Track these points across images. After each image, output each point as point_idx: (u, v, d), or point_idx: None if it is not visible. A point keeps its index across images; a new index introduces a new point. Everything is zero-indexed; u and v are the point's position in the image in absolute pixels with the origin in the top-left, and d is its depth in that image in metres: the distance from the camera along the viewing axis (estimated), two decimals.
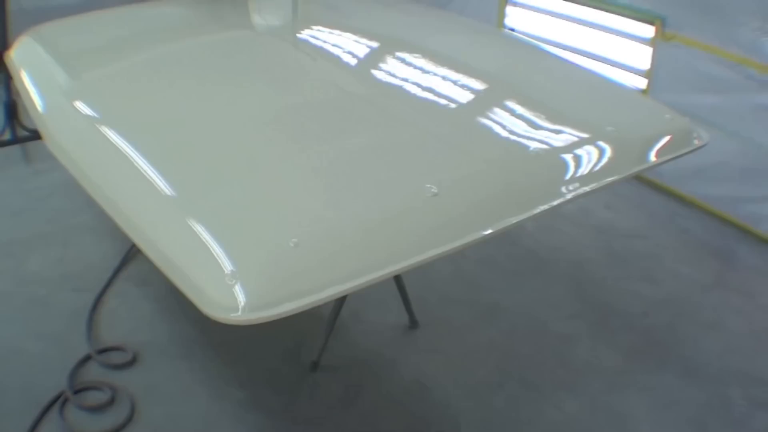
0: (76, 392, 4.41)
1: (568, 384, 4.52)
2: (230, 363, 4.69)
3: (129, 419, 4.26)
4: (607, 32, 6.62)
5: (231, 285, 2.64)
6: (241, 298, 2.60)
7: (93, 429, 4.21)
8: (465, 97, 4.03)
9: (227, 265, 2.70)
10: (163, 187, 3.18)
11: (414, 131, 3.64)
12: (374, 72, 4.33)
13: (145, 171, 3.26)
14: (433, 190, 3.07)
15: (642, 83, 6.34)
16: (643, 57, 6.36)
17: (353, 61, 4.46)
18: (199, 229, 2.87)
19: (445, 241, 2.97)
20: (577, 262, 5.60)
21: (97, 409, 4.32)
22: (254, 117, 3.75)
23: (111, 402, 4.37)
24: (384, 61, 4.44)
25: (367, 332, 4.92)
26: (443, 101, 3.95)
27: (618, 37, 6.55)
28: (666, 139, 3.74)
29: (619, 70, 6.53)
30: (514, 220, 3.12)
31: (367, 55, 4.57)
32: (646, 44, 6.30)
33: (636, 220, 6.13)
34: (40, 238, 5.81)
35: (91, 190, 3.42)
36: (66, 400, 4.36)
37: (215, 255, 2.75)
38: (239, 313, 2.59)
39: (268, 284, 2.70)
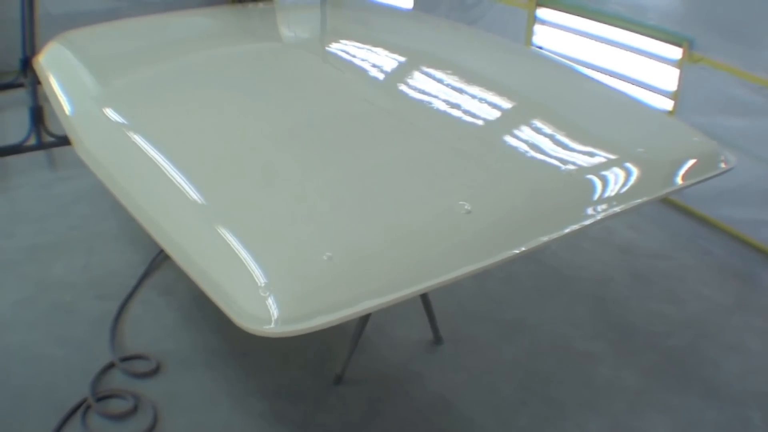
0: (99, 399, 4.42)
1: (591, 403, 4.50)
2: (253, 374, 4.68)
3: (151, 428, 4.26)
4: (634, 53, 6.61)
5: (264, 297, 2.64)
6: (275, 311, 2.60)
7: None
8: (495, 114, 4.03)
9: (261, 277, 2.70)
10: (195, 195, 3.19)
11: (443, 148, 3.64)
12: (403, 87, 4.33)
13: (176, 179, 3.27)
14: (466, 207, 3.07)
15: (668, 104, 6.33)
16: (669, 78, 6.35)
17: (382, 76, 4.47)
18: (233, 240, 2.88)
19: (478, 258, 2.96)
20: (601, 281, 5.59)
21: (120, 417, 4.33)
22: (283, 128, 3.76)
23: (133, 410, 4.37)
24: (413, 77, 4.45)
25: (392, 347, 4.91)
26: (472, 118, 3.94)
27: (645, 57, 6.53)
28: (694, 161, 3.72)
29: (646, 90, 6.52)
30: (545, 239, 3.11)
31: (396, 70, 4.57)
32: (673, 66, 6.29)
33: (659, 241, 6.11)
34: (65, 244, 5.83)
35: (121, 197, 3.43)
36: (88, 407, 4.36)
37: (249, 266, 2.76)
38: (272, 325, 2.59)
39: (302, 297, 2.70)
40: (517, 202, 3.27)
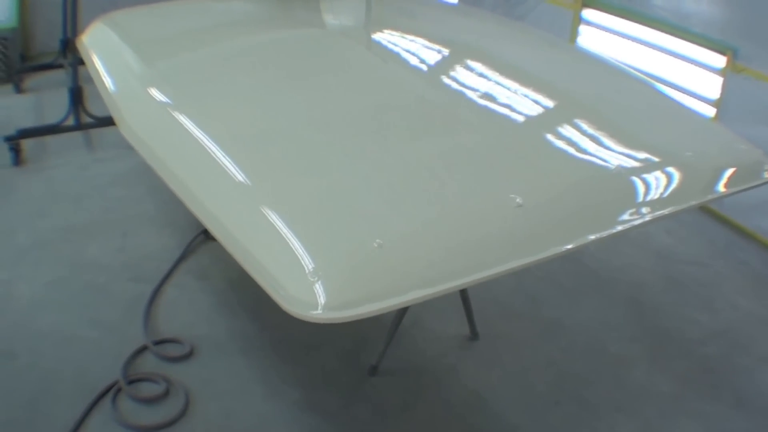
0: (130, 382, 4.40)
1: (623, 406, 4.46)
2: (288, 361, 4.66)
3: (182, 413, 4.24)
4: (678, 58, 6.57)
5: (312, 282, 2.62)
6: (322, 297, 2.58)
7: (145, 421, 4.20)
8: (543, 112, 3.99)
9: (309, 262, 2.68)
10: (242, 177, 3.18)
11: (489, 141, 3.62)
12: (448, 79, 4.31)
13: (223, 160, 3.26)
14: (518, 200, 3.05)
15: (710, 112, 6.29)
16: (712, 86, 6.30)
17: (428, 67, 4.44)
18: (281, 223, 2.86)
19: (528, 253, 2.95)
20: (637, 285, 5.54)
21: (151, 400, 4.31)
22: (331, 114, 3.74)
23: (165, 394, 4.35)
24: (460, 69, 4.41)
25: (428, 340, 4.88)
26: (521, 114, 3.91)
27: (689, 64, 6.49)
28: (741, 169, 3.68)
29: (688, 96, 6.47)
30: (593, 237, 3.09)
31: (443, 62, 4.54)
32: (717, 74, 6.24)
33: (695, 248, 6.06)
34: (100, 226, 5.84)
35: (165, 176, 3.43)
36: (119, 390, 4.35)
37: (297, 251, 2.74)
38: (319, 311, 2.56)
39: (350, 284, 2.68)
40: (567, 200, 3.24)
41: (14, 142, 6.61)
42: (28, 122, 7.05)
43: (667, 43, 6.63)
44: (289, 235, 2.81)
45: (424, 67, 4.43)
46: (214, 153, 3.32)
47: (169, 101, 3.90)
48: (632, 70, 4.64)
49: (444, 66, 4.48)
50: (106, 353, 4.61)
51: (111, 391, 4.34)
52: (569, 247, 3.02)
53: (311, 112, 3.75)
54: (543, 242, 3.01)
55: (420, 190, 3.18)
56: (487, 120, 3.82)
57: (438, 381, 4.59)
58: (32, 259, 5.44)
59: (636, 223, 3.21)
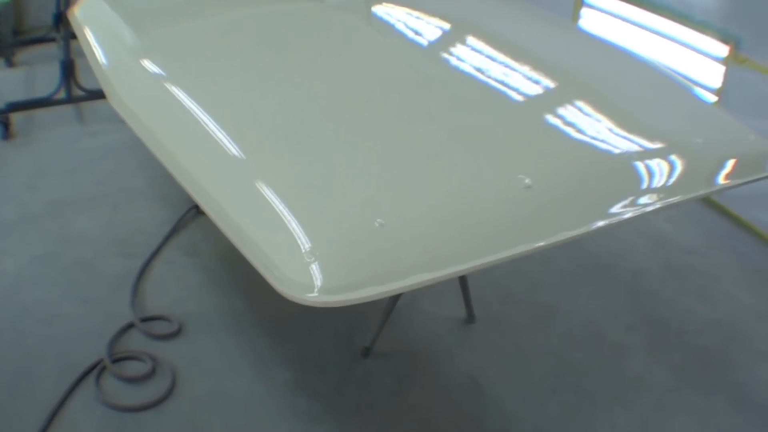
0: (115, 361, 4.31)
1: (620, 397, 4.38)
2: (279, 342, 4.57)
3: (168, 393, 4.15)
4: (680, 45, 6.49)
5: (308, 263, 2.50)
6: (318, 279, 2.46)
7: (129, 401, 4.11)
8: (548, 91, 3.86)
9: (305, 242, 2.56)
10: (236, 151, 3.08)
11: (494, 120, 3.49)
12: (449, 56, 4.18)
13: (216, 134, 3.15)
14: (526, 181, 2.94)
15: (711, 100, 6.21)
16: (714, 75, 6.21)
17: (429, 44, 4.33)
18: (276, 200, 2.75)
19: (536, 237, 2.83)
20: (636, 271, 5.45)
21: (136, 380, 4.23)
22: (329, 89, 3.62)
23: (151, 373, 4.26)
24: (460, 47, 4.29)
25: (423, 323, 4.79)
26: (522, 94, 3.80)
27: (691, 51, 6.41)
28: (749, 159, 3.57)
29: (689, 84, 6.39)
30: (601, 224, 2.98)
31: (443, 39, 4.43)
32: (719, 63, 6.16)
33: (694, 237, 5.97)
34: (90, 200, 5.73)
35: (156, 150, 3.33)
36: (104, 369, 4.26)
37: (292, 228, 2.62)
38: (315, 294, 2.44)
39: (349, 265, 2.56)
40: (574, 183, 3.11)
41: (3, 115, 6.53)
42: (19, 96, 6.98)
43: (670, 29, 6.54)
44: (284, 212, 2.68)
45: (427, 44, 4.33)
46: (207, 126, 3.21)
47: (161, 73, 3.79)
48: (638, 53, 4.53)
49: (444, 43, 4.37)
50: (91, 331, 4.51)
51: (95, 370, 4.25)
52: (578, 232, 2.91)
53: (309, 86, 3.63)
54: (551, 227, 2.89)
55: (424, 169, 3.05)
56: (493, 98, 3.71)
57: (432, 365, 4.49)
58: (19, 234, 5.35)
59: (648, 209, 3.11)
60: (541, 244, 2.81)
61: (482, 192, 2.95)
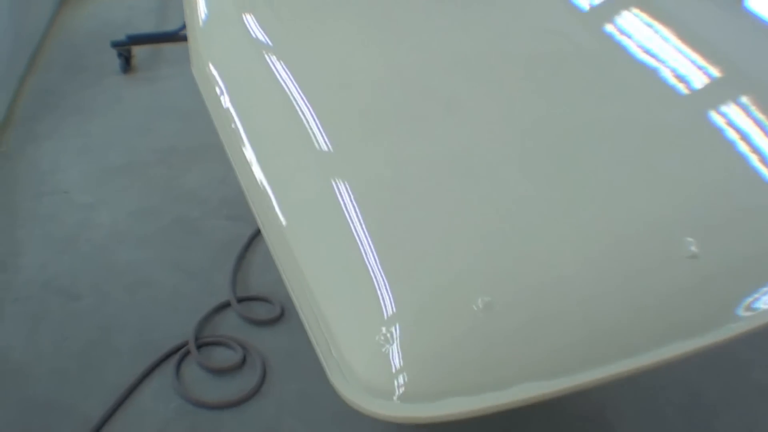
0: (201, 346, 3.80)
1: None
2: None
3: (255, 392, 3.60)
4: None
5: (385, 353, 1.81)
6: (401, 380, 1.77)
7: (210, 396, 3.58)
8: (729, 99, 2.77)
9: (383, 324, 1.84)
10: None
11: (658, 128, 2.52)
12: (607, 25, 3.22)
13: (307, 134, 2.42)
14: (692, 248, 2.04)
15: None
16: None
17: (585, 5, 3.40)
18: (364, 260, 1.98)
19: (701, 329, 1.96)
20: None
21: (221, 372, 3.70)
22: (449, 73, 2.75)
23: (239, 365, 3.71)
24: (615, 16, 3.31)
25: None
26: (702, 101, 2.74)
27: None
28: None
29: None
30: None
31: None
32: None
33: None
34: (205, 151, 5.17)
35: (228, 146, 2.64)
36: (187, 353, 3.75)
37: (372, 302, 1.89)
38: (393, 401, 1.76)
39: (434, 367, 1.81)
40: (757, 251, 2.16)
41: (124, 48, 6.14)
42: (148, 26, 6.66)
43: None
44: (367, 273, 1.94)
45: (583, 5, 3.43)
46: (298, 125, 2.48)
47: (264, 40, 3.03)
48: None
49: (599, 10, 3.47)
50: (181, 305, 4.02)
51: (177, 353, 3.75)
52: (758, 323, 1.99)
53: (428, 76, 2.73)
54: (719, 317, 2.00)
55: (546, 213, 2.13)
56: (653, 93, 2.72)
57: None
58: (121, 183, 4.87)
59: None
60: (711, 342, 1.95)
61: (630, 260, 2.03)
